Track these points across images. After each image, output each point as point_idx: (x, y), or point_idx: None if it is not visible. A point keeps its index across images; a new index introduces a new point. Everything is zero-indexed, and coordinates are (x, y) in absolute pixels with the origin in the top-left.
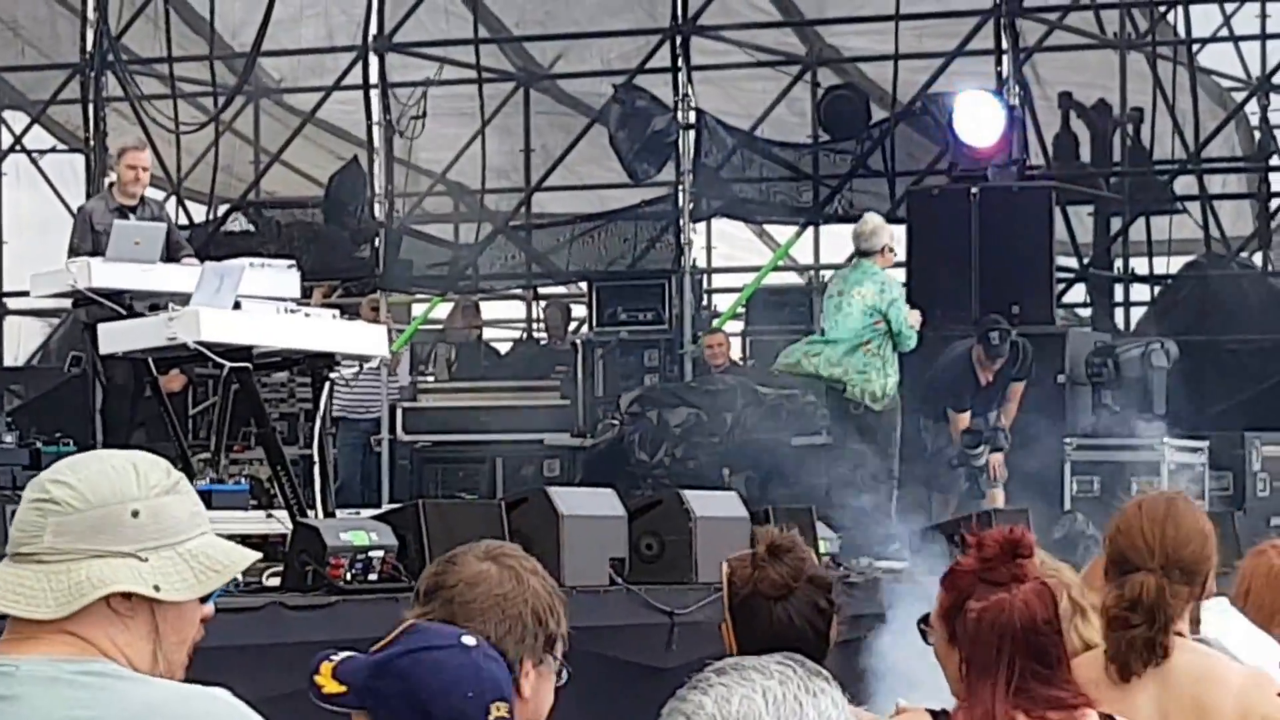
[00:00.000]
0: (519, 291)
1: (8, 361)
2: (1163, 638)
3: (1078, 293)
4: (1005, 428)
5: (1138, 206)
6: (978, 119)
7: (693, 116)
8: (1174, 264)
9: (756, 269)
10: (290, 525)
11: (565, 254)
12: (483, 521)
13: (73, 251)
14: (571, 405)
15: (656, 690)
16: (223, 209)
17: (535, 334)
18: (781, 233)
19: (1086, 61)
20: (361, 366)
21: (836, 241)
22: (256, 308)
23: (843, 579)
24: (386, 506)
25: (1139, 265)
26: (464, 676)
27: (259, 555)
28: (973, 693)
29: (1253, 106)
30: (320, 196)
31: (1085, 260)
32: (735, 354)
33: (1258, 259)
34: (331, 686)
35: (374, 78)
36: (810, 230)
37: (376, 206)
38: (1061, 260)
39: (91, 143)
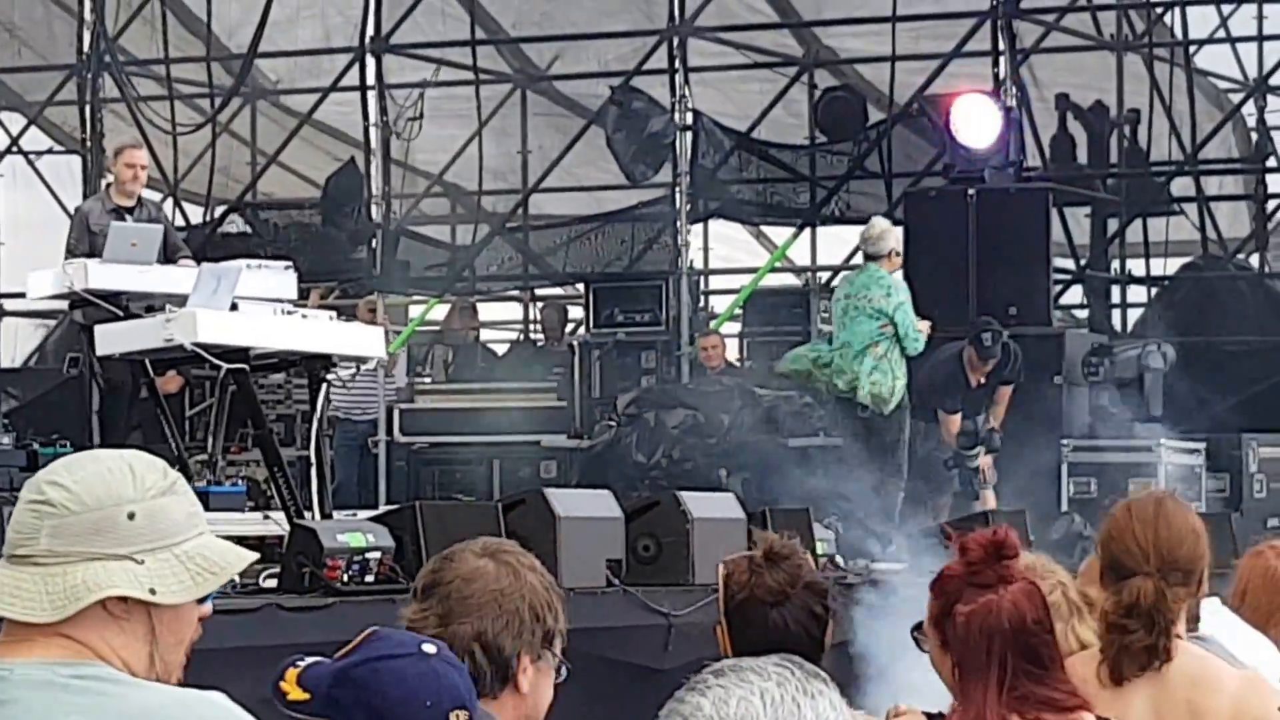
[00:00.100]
0: (516, 293)
1: (4, 363)
2: (1164, 642)
3: (1075, 294)
4: (996, 429)
5: (1135, 208)
6: (975, 120)
7: (690, 118)
8: (1171, 265)
9: (754, 270)
10: (287, 527)
11: (562, 255)
12: (480, 523)
13: (69, 253)
14: (568, 406)
15: (654, 692)
16: (220, 210)
17: (532, 335)
18: (779, 234)
19: (1083, 63)
20: (358, 368)
21: (833, 243)
22: (253, 309)
23: (839, 580)
24: (383, 508)
25: (1136, 267)
26: (422, 685)
27: (256, 556)
28: (966, 695)
29: (1250, 108)
30: (317, 198)
31: (1082, 262)
32: (732, 355)
33: (1254, 260)
34: (296, 693)
35: (371, 79)
36: (807, 231)
37: (373, 208)
38: (1058, 262)
39: (88, 144)
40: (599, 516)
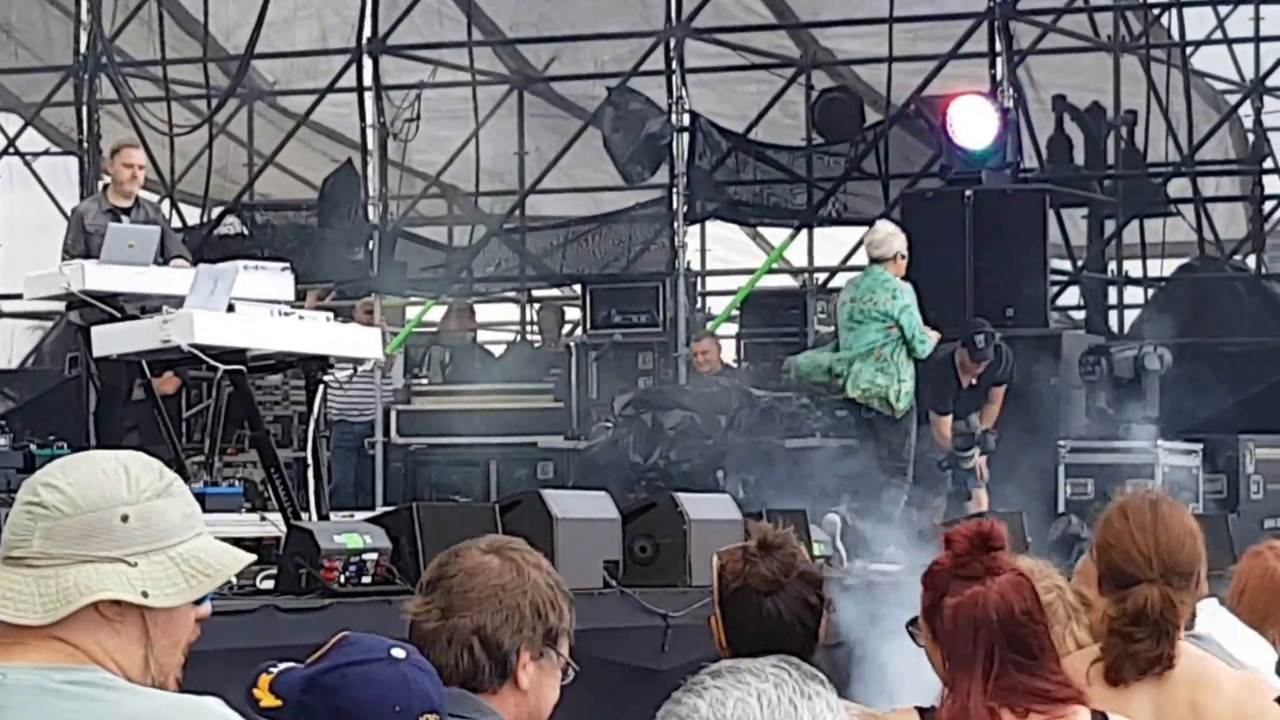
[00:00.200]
0: (513, 294)
1: (1, 364)
2: (1170, 649)
3: (1072, 295)
4: (991, 430)
5: (1131, 209)
6: (972, 122)
7: (687, 119)
8: (1168, 267)
9: (751, 272)
10: (284, 528)
11: (559, 256)
12: (477, 524)
13: (66, 253)
14: (565, 408)
15: (651, 693)
16: (216, 212)
17: (529, 337)
18: (776, 235)
19: (1080, 64)
20: (356, 369)
21: (831, 244)
22: (251, 310)
23: (839, 581)
24: (380, 509)
25: (1133, 268)
26: (391, 690)
27: (253, 558)
28: (953, 687)
29: (1246, 109)
30: (314, 199)
31: (1079, 263)
32: (729, 357)
33: (1251, 261)
34: (268, 700)
35: (368, 80)
36: (804, 233)
37: (370, 209)
38: (1055, 263)
39: (85, 145)
40: (596, 518)
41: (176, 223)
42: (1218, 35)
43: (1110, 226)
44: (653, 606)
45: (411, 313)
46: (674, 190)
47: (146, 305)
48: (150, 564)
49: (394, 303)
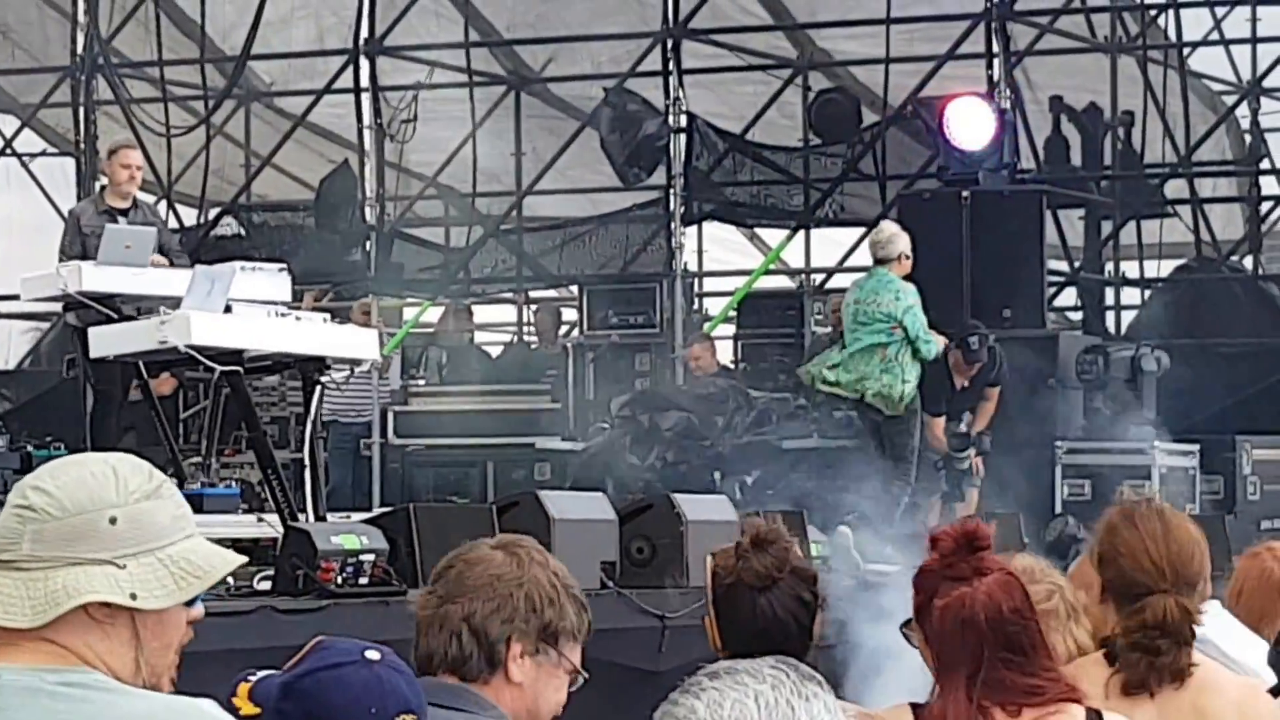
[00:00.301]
0: (510, 295)
1: None
2: (1188, 658)
3: (1069, 296)
4: (986, 431)
5: (1128, 210)
6: (969, 123)
7: (684, 120)
8: (1165, 267)
9: (748, 273)
10: (281, 529)
11: (556, 257)
12: (474, 525)
13: (63, 254)
14: (562, 409)
15: (648, 694)
16: (213, 213)
17: (526, 337)
18: (773, 236)
19: (1077, 65)
20: (353, 370)
21: (828, 245)
22: (247, 311)
23: (836, 583)
24: (377, 510)
25: (1130, 269)
26: (366, 692)
27: (244, 559)
28: (943, 686)
29: (1243, 110)
30: (311, 200)
31: (1076, 264)
32: (726, 358)
33: (1248, 262)
34: (247, 709)
35: (365, 81)
36: (801, 234)
37: (367, 210)
38: (1052, 264)
39: (82, 146)
40: (593, 519)
41: (173, 224)
42: (1215, 36)
43: (1107, 227)
44: (650, 607)
45: (408, 313)
46: (671, 191)
47: (143, 306)
48: (139, 566)
49: (391, 304)
